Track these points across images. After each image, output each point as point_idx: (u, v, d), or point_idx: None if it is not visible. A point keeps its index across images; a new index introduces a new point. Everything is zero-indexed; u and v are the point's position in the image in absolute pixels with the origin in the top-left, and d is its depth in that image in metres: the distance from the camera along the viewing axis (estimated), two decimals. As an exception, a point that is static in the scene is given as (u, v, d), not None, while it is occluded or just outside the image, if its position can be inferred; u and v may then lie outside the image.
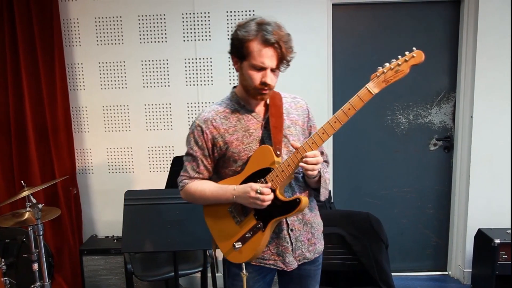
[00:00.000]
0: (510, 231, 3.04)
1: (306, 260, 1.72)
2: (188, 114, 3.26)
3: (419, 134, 3.39)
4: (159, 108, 3.25)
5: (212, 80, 3.21)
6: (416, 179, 3.45)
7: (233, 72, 3.19)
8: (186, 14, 3.14)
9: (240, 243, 1.63)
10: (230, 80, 3.20)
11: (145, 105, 3.25)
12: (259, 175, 1.57)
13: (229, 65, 3.18)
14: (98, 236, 3.38)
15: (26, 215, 2.52)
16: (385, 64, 1.44)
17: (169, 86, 3.23)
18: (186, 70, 3.21)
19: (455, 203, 3.42)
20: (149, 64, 3.21)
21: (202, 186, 1.66)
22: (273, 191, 1.55)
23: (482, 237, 3.07)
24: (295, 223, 1.67)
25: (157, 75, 3.22)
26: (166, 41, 3.17)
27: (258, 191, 1.50)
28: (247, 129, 1.62)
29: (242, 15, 3.13)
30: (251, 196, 1.52)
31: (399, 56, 1.42)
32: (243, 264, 1.63)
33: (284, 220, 1.65)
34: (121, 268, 3.11)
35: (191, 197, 1.70)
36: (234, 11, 3.13)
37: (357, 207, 3.09)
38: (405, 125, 3.38)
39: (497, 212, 3.27)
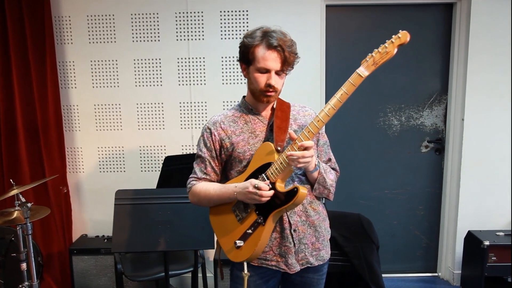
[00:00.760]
0: (499, 234, 3.07)
1: (309, 265, 1.72)
2: (181, 113, 3.25)
3: (410, 136, 3.41)
4: (151, 107, 3.24)
5: (205, 80, 3.21)
6: (408, 181, 3.47)
7: (226, 72, 3.19)
8: (180, 13, 3.13)
9: (241, 241, 1.64)
10: (222, 80, 3.20)
11: (137, 104, 3.24)
12: (261, 171, 1.61)
13: (222, 65, 3.18)
14: (88, 235, 3.36)
15: (15, 214, 2.49)
16: (373, 49, 1.50)
17: (161, 85, 3.22)
18: (178, 70, 3.20)
19: (445, 205, 3.45)
20: (142, 63, 3.19)
21: (207, 187, 1.72)
22: (273, 184, 1.57)
23: (471, 239, 3.09)
24: (298, 224, 1.68)
25: (150, 74, 3.21)
26: (159, 40, 3.16)
27: (256, 185, 1.53)
28: (253, 131, 1.69)
29: (236, 15, 3.13)
30: (249, 191, 1.55)
31: (386, 40, 1.48)
32: (245, 264, 1.63)
33: (287, 220, 1.66)
34: (111, 268, 3.10)
35: (197, 198, 1.75)
36: (228, 11, 3.12)
37: (348, 209, 3.09)
38: (397, 127, 3.40)
39: (487, 214, 3.30)
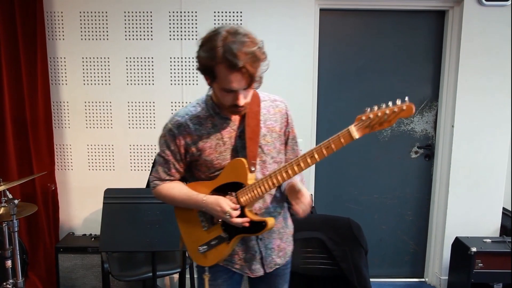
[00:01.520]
0: (486, 240, 3.10)
1: (277, 266, 1.75)
2: (172, 113, 3.20)
3: (401, 142, 3.44)
4: (143, 106, 3.23)
5: (197, 80, 3.21)
6: (397, 186, 3.50)
7: (219, 73, 3.19)
8: (173, 12, 3.13)
9: (205, 247, 1.64)
10: (215, 80, 3.20)
11: (128, 102, 3.23)
12: (230, 187, 1.58)
13: (215, 65, 3.18)
14: (75, 234, 3.34)
15: (1, 211, 2.49)
16: (373, 107, 1.36)
17: (153, 84, 3.21)
18: (171, 69, 3.20)
19: (434, 211, 3.48)
20: (134, 62, 3.18)
21: (173, 191, 1.67)
22: (242, 208, 1.56)
23: (459, 245, 3.12)
24: (265, 233, 1.66)
25: (142, 73, 3.20)
26: (152, 39, 3.16)
27: (227, 214, 1.51)
28: (221, 137, 1.59)
29: (230, 15, 3.13)
30: (219, 215, 1.55)
31: (390, 103, 1.33)
32: (206, 267, 1.67)
33: None
34: (97, 267, 3.08)
35: (161, 199, 1.72)
36: (222, 12, 3.13)
37: (338, 212, 3.11)
38: (387, 132, 3.42)
39: (475, 221, 3.34)
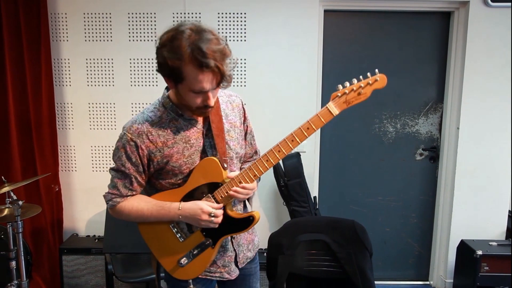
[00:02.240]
0: (492, 243, 3.09)
1: (249, 259, 1.74)
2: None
3: (405, 144, 3.43)
4: (146, 107, 3.24)
5: (201, 81, 3.21)
6: (401, 188, 3.49)
7: (223, 74, 3.20)
8: (177, 13, 3.14)
9: (186, 259, 1.55)
10: (219, 82, 3.20)
11: (132, 104, 3.24)
12: (203, 189, 1.52)
13: (219, 67, 3.19)
14: (79, 235, 3.35)
15: (6, 212, 2.51)
16: (345, 83, 1.40)
17: (157, 85, 3.22)
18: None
19: (439, 213, 3.47)
20: (138, 63, 3.20)
21: (139, 206, 1.53)
22: (223, 208, 1.53)
23: (464, 248, 3.12)
24: None
25: (146, 74, 3.21)
26: (155, 40, 3.14)
27: (212, 214, 1.46)
28: (188, 140, 1.50)
29: (234, 16, 3.14)
30: (202, 219, 1.47)
31: (361, 77, 1.39)
32: (190, 280, 1.58)
33: None
34: (101, 269, 3.09)
35: (125, 217, 1.56)
36: (226, 13, 3.13)
37: (342, 214, 3.12)
38: (392, 134, 3.42)
39: (480, 224, 3.33)
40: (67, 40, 3.17)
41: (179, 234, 1.56)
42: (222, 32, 3.16)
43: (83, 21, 3.14)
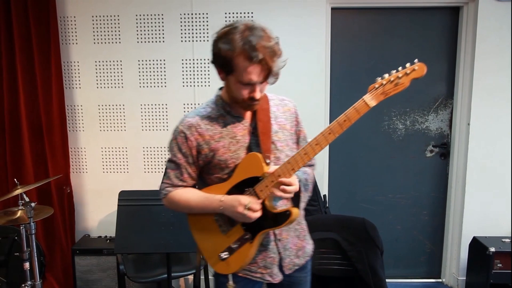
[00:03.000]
0: (505, 240, 3.06)
1: (297, 267, 1.70)
2: (184, 115, 3.26)
3: (415, 141, 3.41)
4: (155, 108, 3.27)
5: (209, 82, 3.23)
6: (412, 186, 3.47)
7: (231, 74, 3.20)
8: (184, 14, 3.15)
9: (226, 253, 1.59)
10: (227, 82, 3.21)
11: (141, 105, 3.27)
12: (246, 184, 1.53)
13: (227, 66, 3.20)
14: (90, 236, 3.38)
15: (19, 214, 2.53)
16: (384, 75, 1.40)
17: (165, 86, 3.24)
18: (183, 71, 3.23)
19: (450, 210, 3.45)
20: (146, 64, 3.22)
21: (187, 195, 1.62)
22: (263, 202, 1.52)
23: (477, 245, 3.09)
24: (283, 232, 1.65)
25: (154, 75, 3.23)
26: (163, 41, 3.19)
27: (247, 206, 1.47)
28: (234, 136, 1.57)
29: (241, 16, 3.14)
30: (238, 211, 1.49)
31: (400, 68, 1.38)
32: (230, 275, 1.60)
33: (272, 231, 1.62)
34: (113, 269, 3.11)
35: (174, 206, 1.65)
36: (233, 13, 3.14)
37: (352, 213, 3.10)
38: (401, 131, 3.40)
39: (493, 220, 3.30)
40: (76, 43, 3.21)
41: (222, 227, 1.60)
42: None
43: (92, 23, 3.17)
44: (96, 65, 3.22)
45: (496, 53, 3.11)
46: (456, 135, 3.33)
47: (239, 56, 1.39)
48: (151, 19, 3.17)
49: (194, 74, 3.23)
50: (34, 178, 3.17)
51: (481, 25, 3.09)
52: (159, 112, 3.27)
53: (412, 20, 3.27)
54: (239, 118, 1.59)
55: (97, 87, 3.25)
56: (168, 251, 2.47)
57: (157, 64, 3.22)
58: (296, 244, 1.70)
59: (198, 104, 3.24)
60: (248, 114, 1.60)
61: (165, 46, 3.19)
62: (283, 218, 1.51)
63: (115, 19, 3.17)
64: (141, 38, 3.19)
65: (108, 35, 3.19)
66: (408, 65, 1.37)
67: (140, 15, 3.16)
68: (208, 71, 3.22)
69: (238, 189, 1.55)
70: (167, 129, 3.28)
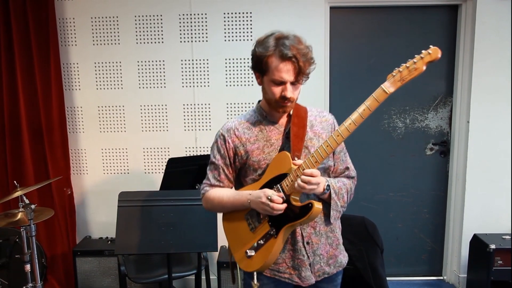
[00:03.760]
0: (505, 237, 3.06)
1: (326, 275, 1.69)
2: (184, 115, 3.27)
3: (415, 139, 3.41)
4: (155, 109, 3.27)
5: (208, 82, 3.23)
6: (412, 184, 3.47)
7: (229, 74, 3.21)
8: (183, 15, 3.15)
9: (253, 250, 1.63)
10: (226, 82, 3.22)
11: (140, 106, 3.27)
12: (276, 181, 1.58)
13: (226, 66, 3.20)
14: (92, 237, 3.39)
15: (19, 216, 2.52)
16: (401, 64, 1.45)
17: (165, 87, 3.24)
18: (182, 72, 3.22)
19: (450, 208, 3.45)
20: (145, 65, 3.22)
21: (221, 193, 1.70)
22: (288, 196, 1.55)
23: (477, 243, 3.09)
24: (312, 236, 1.65)
25: (153, 76, 3.23)
26: (162, 42, 3.19)
27: (269, 197, 1.51)
28: (269, 139, 1.65)
29: (239, 16, 3.14)
30: (262, 201, 1.53)
31: (415, 55, 1.42)
32: (255, 274, 1.62)
33: (300, 232, 1.64)
34: (114, 270, 3.12)
35: (210, 204, 1.74)
36: (231, 13, 3.14)
37: (352, 211, 3.04)
38: (401, 129, 3.40)
39: (493, 217, 3.29)
40: (76, 45, 3.21)
41: (251, 225, 1.66)
42: (228, 33, 3.16)
43: (91, 25, 3.17)
44: (95, 67, 3.22)
45: (495, 51, 3.11)
46: (456, 133, 3.33)
47: (272, 55, 1.51)
48: (150, 20, 3.17)
49: (193, 75, 3.22)
50: (34, 180, 3.17)
51: (479, 23, 3.08)
52: (159, 112, 3.27)
53: (411, 19, 3.27)
54: (274, 123, 1.67)
55: (97, 89, 3.25)
56: (168, 251, 2.46)
57: (156, 65, 3.22)
58: (328, 251, 1.69)
59: (198, 104, 3.25)
60: (284, 120, 1.68)
61: (164, 46, 3.19)
62: (305, 211, 1.53)
63: (114, 20, 3.17)
64: (140, 39, 3.19)
65: (107, 36, 3.19)
66: (423, 51, 1.42)
67: (138, 16, 3.16)
68: (207, 71, 3.22)
69: (268, 186, 1.60)
70: (167, 130, 3.28)
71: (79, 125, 3.30)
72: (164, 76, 3.23)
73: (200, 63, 3.21)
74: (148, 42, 3.19)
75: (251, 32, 3.16)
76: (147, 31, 3.18)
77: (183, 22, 3.17)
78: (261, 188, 1.60)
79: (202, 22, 3.17)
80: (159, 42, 3.19)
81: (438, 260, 3.57)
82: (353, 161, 3.47)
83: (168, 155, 3.30)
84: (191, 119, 3.27)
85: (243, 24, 3.16)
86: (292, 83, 1.54)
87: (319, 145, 1.62)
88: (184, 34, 3.18)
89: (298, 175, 1.51)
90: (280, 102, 1.57)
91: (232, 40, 3.17)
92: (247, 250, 1.64)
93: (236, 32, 3.17)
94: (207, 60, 3.21)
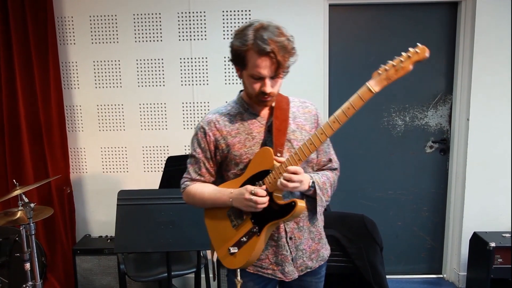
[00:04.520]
0: (505, 235, 3.06)
1: (309, 270, 1.69)
2: (183, 114, 3.27)
3: (415, 137, 3.41)
4: (154, 107, 3.27)
5: (207, 80, 3.23)
6: (412, 182, 3.47)
7: (229, 72, 3.21)
8: (182, 13, 3.15)
9: (235, 247, 1.61)
10: (225, 80, 3.22)
11: (140, 104, 3.27)
12: (258, 178, 1.56)
13: (225, 65, 3.20)
14: (91, 236, 3.40)
15: (19, 214, 2.53)
16: (387, 61, 1.41)
17: (164, 85, 3.24)
18: (181, 70, 3.23)
19: (450, 206, 3.45)
20: (144, 64, 3.22)
21: (202, 189, 1.67)
22: (271, 194, 1.53)
23: (477, 241, 3.09)
24: (295, 231, 1.64)
25: (152, 75, 3.23)
26: (161, 40, 3.19)
27: (252, 191, 1.49)
28: (250, 132, 1.61)
29: (238, 14, 3.15)
30: (245, 197, 1.50)
31: (402, 53, 1.39)
32: (238, 271, 1.60)
33: (283, 228, 1.63)
34: (114, 269, 3.13)
35: (191, 199, 1.71)
36: (230, 11, 3.14)
37: (352, 209, 3.08)
38: (401, 127, 3.40)
39: (493, 215, 3.29)
40: (74, 43, 3.21)
41: (233, 222, 1.64)
42: (227, 31, 3.17)
43: (89, 23, 3.18)
44: (94, 65, 3.23)
45: (495, 48, 3.10)
46: (456, 131, 3.33)
47: (250, 50, 1.45)
48: (149, 18, 3.17)
49: (192, 73, 3.23)
50: (33, 178, 3.18)
51: (479, 20, 3.08)
52: (158, 111, 3.27)
53: (410, 16, 3.26)
54: (256, 116, 1.63)
55: (96, 87, 3.26)
56: (168, 250, 2.47)
57: (155, 63, 3.22)
58: (310, 246, 1.69)
59: (197, 102, 3.25)
60: (266, 113, 1.64)
61: (163, 45, 3.19)
62: (288, 209, 1.52)
63: (112, 19, 3.17)
64: (139, 37, 3.19)
65: (106, 35, 3.19)
66: (410, 49, 1.38)
67: (137, 14, 3.16)
68: (206, 69, 3.22)
69: (250, 183, 1.57)
70: (166, 128, 3.29)
71: (78, 124, 3.31)
72: (163, 74, 3.23)
73: (199, 62, 3.21)
74: (147, 41, 3.19)
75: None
76: (146, 30, 3.18)
77: (182, 21, 3.17)
78: (243, 184, 1.57)
79: (201, 20, 3.17)
80: (158, 41, 3.19)
81: (438, 258, 3.57)
82: (352, 159, 3.49)
83: (168, 153, 3.30)
84: (190, 117, 3.28)
85: (242, 22, 3.10)
86: (272, 77, 1.50)
87: (302, 137, 1.63)
88: (183, 32, 3.18)
89: (281, 172, 1.49)
90: (260, 97, 1.54)
91: (231, 38, 3.15)
92: (230, 248, 1.62)
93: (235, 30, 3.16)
94: (206, 58, 3.21)
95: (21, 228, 2.54)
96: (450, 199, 3.44)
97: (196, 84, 3.24)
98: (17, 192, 2.48)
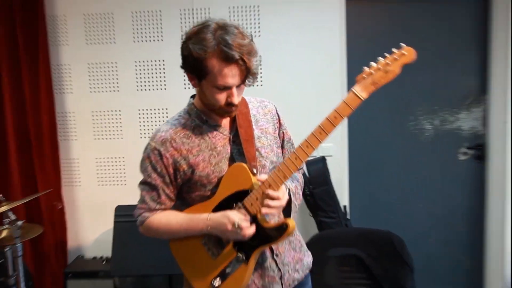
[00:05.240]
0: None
1: (296, 282, 1.66)
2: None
3: (446, 142, 3.35)
4: (155, 113, 3.25)
5: (213, 83, 3.18)
6: (444, 193, 3.39)
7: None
8: (184, 10, 3.16)
9: (219, 279, 1.53)
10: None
11: (139, 110, 3.25)
12: (233, 199, 1.50)
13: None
14: (84, 257, 3.35)
15: (4, 233, 2.50)
16: (371, 63, 1.38)
17: (165, 89, 3.23)
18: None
19: (490, 220, 3.34)
20: (144, 65, 3.22)
21: (168, 219, 1.57)
22: (254, 217, 1.47)
23: (522, 260, 2.97)
24: (279, 246, 1.61)
25: (153, 78, 3.23)
26: (162, 40, 3.20)
27: (236, 225, 1.42)
28: (214, 147, 1.53)
29: (246, 11, 3.14)
30: (228, 229, 1.45)
31: (386, 54, 1.36)
32: None
33: (269, 247, 1.59)
34: (110, 294, 3.06)
35: (154, 233, 1.61)
36: (237, 7, 3.14)
37: (376, 225, 3.03)
38: (430, 131, 3.34)
39: (539, 231, 3.16)
40: (67, 44, 3.24)
41: (211, 252, 1.56)
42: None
43: (84, 23, 3.21)
44: (89, 68, 3.24)
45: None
46: (493, 135, 3.26)
47: (213, 57, 1.36)
48: (148, 16, 3.18)
49: (196, 75, 3.19)
50: (21, 193, 3.15)
51: (515, 10, 3.04)
52: (159, 117, 3.25)
53: (436, 9, 3.25)
54: (217, 127, 1.56)
55: (91, 92, 3.26)
56: (170, 272, 2.42)
57: (155, 65, 3.22)
58: (293, 257, 1.67)
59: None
60: (227, 122, 1.58)
61: (164, 45, 3.20)
62: (279, 232, 1.47)
63: (109, 17, 3.19)
64: (138, 37, 3.20)
65: (102, 34, 3.21)
66: (394, 50, 1.36)
67: (136, 12, 3.18)
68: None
69: (225, 206, 1.51)
70: (168, 136, 3.24)
71: (71, 132, 3.29)
72: (164, 77, 3.22)
73: (203, 62, 3.17)
74: (146, 41, 3.20)
75: (259, 27, 3.16)
76: (146, 29, 3.19)
77: (185, 18, 3.17)
78: (217, 207, 1.50)
79: (205, 17, 3.13)
80: (158, 40, 3.20)
81: (478, 281, 3.44)
82: (376, 168, 3.43)
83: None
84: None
85: (250, 19, 3.16)
86: (238, 86, 1.44)
87: (268, 143, 1.61)
88: (186, 31, 3.13)
89: (264, 191, 1.43)
90: (225, 109, 1.46)
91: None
92: (212, 280, 1.53)
93: (242, 27, 3.11)
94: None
95: (6, 249, 2.50)
96: (489, 213, 3.34)
97: (201, 87, 3.19)
98: (3, 209, 2.42)
